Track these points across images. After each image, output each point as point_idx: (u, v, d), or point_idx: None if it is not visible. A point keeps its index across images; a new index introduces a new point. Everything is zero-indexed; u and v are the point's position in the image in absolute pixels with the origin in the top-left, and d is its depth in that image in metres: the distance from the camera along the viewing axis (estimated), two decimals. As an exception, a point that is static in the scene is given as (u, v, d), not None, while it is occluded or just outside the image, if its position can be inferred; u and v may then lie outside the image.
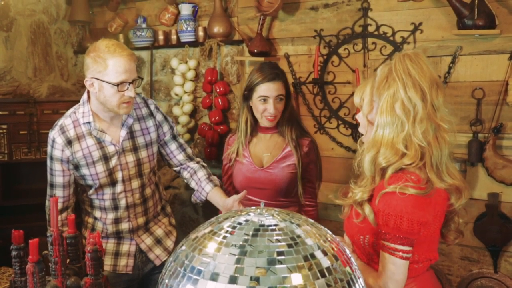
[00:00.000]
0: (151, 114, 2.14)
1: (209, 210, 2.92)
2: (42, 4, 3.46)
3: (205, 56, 3.12)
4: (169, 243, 2.23)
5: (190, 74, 3.19)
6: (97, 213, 2.10)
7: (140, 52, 3.38)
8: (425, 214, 1.35)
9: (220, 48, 3.11)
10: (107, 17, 3.63)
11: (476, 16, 2.23)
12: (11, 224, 2.24)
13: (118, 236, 2.11)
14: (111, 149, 2.02)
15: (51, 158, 2.01)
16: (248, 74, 3.08)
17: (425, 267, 1.50)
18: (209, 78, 3.07)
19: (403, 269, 1.38)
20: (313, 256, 0.82)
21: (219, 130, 3.11)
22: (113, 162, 2.02)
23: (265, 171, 2.19)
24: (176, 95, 3.25)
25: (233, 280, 0.78)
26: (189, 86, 3.20)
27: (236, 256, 0.80)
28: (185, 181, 2.28)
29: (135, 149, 2.07)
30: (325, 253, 0.84)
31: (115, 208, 2.07)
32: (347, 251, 0.91)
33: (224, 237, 0.85)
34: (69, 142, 1.98)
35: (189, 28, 3.15)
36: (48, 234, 1.41)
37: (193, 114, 3.28)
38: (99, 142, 2.01)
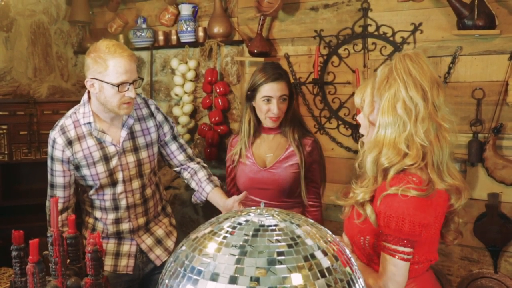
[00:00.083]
0: (151, 115, 2.14)
1: (209, 211, 2.92)
2: (42, 4, 3.46)
3: (205, 57, 3.12)
4: (170, 243, 2.23)
5: (190, 75, 3.19)
6: (98, 214, 2.10)
7: (140, 52, 3.38)
8: (426, 216, 1.35)
9: (220, 49, 3.11)
10: (107, 17, 3.63)
11: (476, 17, 2.23)
12: (11, 224, 2.24)
13: (119, 236, 2.12)
14: (111, 149, 2.02)
15: (52, 159, 2.01)
16: (248, 74, 3.09)
17: (425, 267, 1.50)
18: (209, 78, 3.07)
19: (403, 271, 1.38)
20: (313, 256, 0.82)
21: (219, 130, 3.11)
22: (114, 162, 2.02)
23: (268, 171, 2.19)
24: (176, 95, 3.25)
25: (233, 280, 0.78)
26: (189, 86, 3.20)
27: (236, 256, 0.80)
28: (186, 181, 2.28)
29: (135, 149, 2.08)
30: (325, 253, 0.84)
31: (116, 208, 2.07)
32: (347, 252, 0.91)
33: (224, 237, 0.85)
34: (69, 143, 1.98)
35: (189, 29, 3.15)
36: (48, 235, 1.41)
37: (193, 114, 3.28)
38: (100, 143, 2.01)
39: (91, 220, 2.14)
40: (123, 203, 2.07)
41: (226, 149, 3.14)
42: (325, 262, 0.83)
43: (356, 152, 2.78)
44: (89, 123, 1.99)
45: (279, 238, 0.84)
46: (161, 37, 3.31)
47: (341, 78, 2.77)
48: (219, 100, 3.08)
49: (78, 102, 2.07)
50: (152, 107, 2.15)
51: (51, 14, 3.52)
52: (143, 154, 2.10)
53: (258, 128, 2.25)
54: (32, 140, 3.01)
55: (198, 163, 2.28)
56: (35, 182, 3.16)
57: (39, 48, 3.46)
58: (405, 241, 1.36)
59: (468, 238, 2.49)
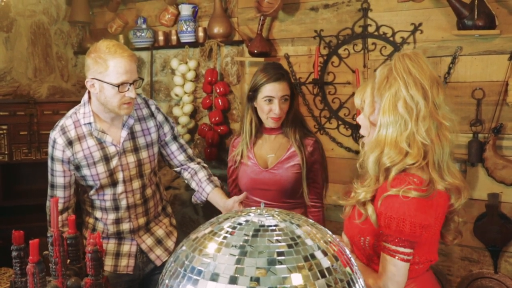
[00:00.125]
0: (152, 115, 2.14)
1: (209, 211, 2.92)
2: (42, 4, 3.47)
3: (205, 57, 3.13)
4: (170, 243, 2.23)
5: (190, 75, 3.19)
6: (98, 214, 2.10)
7: (140, 52, 3.38)
8: (427, 217, 1.35)
9: (220, 49, 3.11)
10: (107, 17, 3.63)
11: (476, 17, 2.23)
12: (12, 224, 2.24)
13: (119, 236, 2.12)
14: (112, 149, 2.02)
15: (52, 159, 2.01)
16: (248, 74, 3.09)
17: (426, 267, 1.50)
18: (209, 78, 3.07)
19: (403, 271, 1.38)
20: (313, 256, 0.82)
21: (219, 130, 3.11)
22: (114, 162, 2.02)
23: (270, 172, 2.18)
24: (176, 95, 3.26)
25: (233, 280, 0.78)
26: (189, 86, 3.20)
27: (236, 257, 0.81)
28: (186, 181, 2.28)
29: (136, 149, 2.08)
30: (325, 254, 0.84)
31: (116, 208, 2.07)
32: (347, 252, 0.91)
33: (224, 238, 0.85)
34: (70, 143, 1.98)
35: (189, 29, 3.16)
36: (48, 235, 1.41)
37: (193, 114, 3.28)
38: (100, 143, 2.01)
39: (91, 220, 2.14)
40: (123, 203, 2.07)
41: (226, 150, 3.15)
42: (325, 262, 0.83)
43: (356, 152, 2.78)
44: (90, 123, 1.99)
45: (279, 238, 0.84)
46: (161, 37, 3.31)
47: (341, 78, 2.77)
48: (219, 100, 3.08)
49: (78, 102, 2.07)
50: (153, 107, 2.15)
51: (51, 15, 3.53)
52: (144, 154, 2.10)
53: (259, 128, 2.25)
54: (32, 140, 3.02)
55: (199, 163, 2.28)
56: (35, 182, 3.17)
57: (39, 48, 3.46)
58: (405, 242, 1.36)
59: (468, 238, 2.49)
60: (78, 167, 2.01)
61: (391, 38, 2.59)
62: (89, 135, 2.00)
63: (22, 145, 3.01)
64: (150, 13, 3.44)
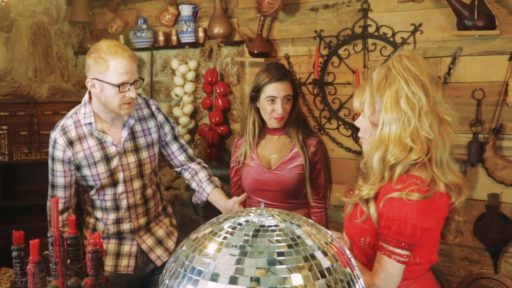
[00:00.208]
0: (152, 115, 2.14)
1: (209, 211, 2.92)
2: (42, 5, 3.47)
3: (205, 57, 3.13)
4: (170, 243, 2.23)
5: (190, 75, 3.19)
6: (98, 214, 2.11)
7: (140, 53, 3.38)
8: (429, 220, 1.36)
9: (220, 49, 3.11)
10: (107, 18, 3.63)
11: (476, 17, 2.23)
12: (12, 224, 2.24)
13: (120, 236, 2.12)
14: (112, 149, 2.02)
15: (53, 159, 2.02)
16: (248, 75, 3.09)
17: (426, 268, 1.50)
18: (209, 79, 3.08)
19: (398, 272, 1.39)
20: (313, 256, 0.82)
21: (219, 131, 3.11)
22: (115, 162, 2.03)
23: (273, 173, 2.18)
24: (177, 96, 3.26)
25: (233, 280, 0.78)
26: (189, 87, 3.20)
27: (237, 257, 0.81)
28: (186, 182, 2.28)
29: (136, 149, 2.08)
30: (325, 254, 0.84)
31: (116, 208, 2.07)
32: (347, 252, 0.91)
33: (225, 238, 0.85)
34: (70, 143, 1.99)
35: (189, 29, 3.16)
36: (48, 235, 1.42)
37: (193, 115, 3.28)
38: (101, 143, 2.01)
39: (92, 220, 2.14)
40: (123, 203, 2.07)
41: (226, 150, 3.16)
42: (325, 263, 0.83)
43: (356, 152, 2.78)
44: (90, 123, 1.99)
45: (279, 238, 0.84)
46: (161, 38, 3.31)
47: (341, 79, 2.77)
48: (219, 100, 3.08)
49: (79, 102, 2.08)
50: (153, 108, 2.16)
51: (51, 15, 3.53)
52: (144, 154, 2.10)
53: (262, 129, 2.24)
54: (33, 140, 3.02)
55: (199, 163, 2.28)
56: (36, 182, 3.17)
57: (40, 48, 3.46)
58: (404, 244, 1.36)
59: (468, 238, 2.49)
60: (78, 167, 2.01)
61: (391, 39, 2.59)
62: (89, 135, 2.00)
63: (22, 145, 3.01)
64: (150, 14, 3.44)
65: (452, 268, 2.59)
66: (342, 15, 2.73)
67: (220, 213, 2.16)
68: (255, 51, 2.87)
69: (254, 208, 0.96)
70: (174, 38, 3.29)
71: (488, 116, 2.39)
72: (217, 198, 2.16)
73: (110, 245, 2.12)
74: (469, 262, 2.55)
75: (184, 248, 0.89)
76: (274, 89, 2.11)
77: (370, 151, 1.46)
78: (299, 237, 0.85)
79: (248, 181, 2.23)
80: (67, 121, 2.02)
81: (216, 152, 3.14)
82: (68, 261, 1.50)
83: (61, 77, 3.63)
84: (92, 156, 2.00)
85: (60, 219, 1.99)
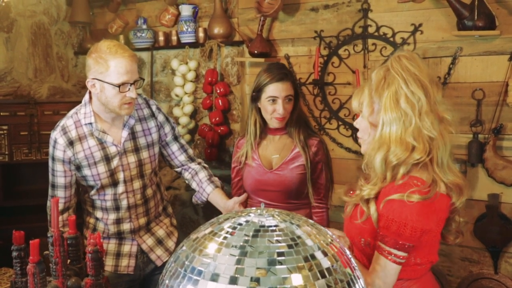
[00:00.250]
0: (152, 115, 2.14)
1: (209, 211, 2.92)
2: (42, 5, 3.47)
3: (205, 57, 3.13)
4: (171, 243, 2.23)
5: (191, 75, 3.19)
6: (99, 214, 2.11)
7: (140, 53, 3.38)
8: (429, 222, 1.35)
9: (221, 49, 3.11)
10: (107, 18, 3.63)
11: (476, 17, 2.23)
12: (12, 224, 2.24)
13: (120, 236, 2.12)
14: (112, 149, 2.02)
15: (53, 159, 2.02)
16: (248, 75, 3.09)
17: (427, 268, 1.50)
18: (209, 79, 3.08)
19: (393, 272, 1.39)
20: (313, 256, 0.82)
21: (219, 131, 3.11)
22: (115, 162, 2.03)
23: (275, 173, 2.18)
24: (177, 96, 3.26)
25: (233, 280, 0.78)
26: (189, 87, 3.20)
27: (237, 257, 0.81)
28: (186, 182, 2.28)
29: (136, 149, 2.08)
30: (325, 254, 0.84)
31: (117, 208, 2.07)
32: (348, 252, 0.91)
33: (225, 238, 0.85)
34: (71, 143, 1.99)
35: (189, 29, 3.16)
36: (48, 235, 1.42)
37: (193, 115, 3.28)
38: (101, 143, 2.01)
39: (92, 220, 2.14)
40: (124, 203, 2.07)
41: (226, 150, 3.16)
42: (325, 263, 0.83)
43: (356, 152, 2.78)
44: (90, 123, 1.99)
45: (279, 238, 0.84)
46: (161, 38, 3.32)
47: (341, 79, 2.77)
48: (220, 100, 3.08)
49: (79, 102, 2.08)
50: (153, 108, 2.16)
51: (51, 15, 3.53)
52: (144, 154, 2.10)
53: (264, 129, 2.24)
54: (33, 140, 3.02)
55: (199, 163, 2.28)
56: (36, 182, 3.17)
57: (40, 48, 3.46)
58: (402, 245, 1.36)
59: (468, 238, 2.49)
60: (79, 167, 2.01)
61: (391, 39, 2.59)
62: (90, 135, 2.00)
63: (22, 146, 3.01)
64: (151, 14, 3.44)
65: (452, 268, 2.59)
66: (342, 15, 2.73)
67: (220, 213, 2.16)
68: (255, 51, 2.87)
69: (254, 208, 0.96)
70: (174, 38, 3.29)
71: (488, 116, 2.39)
72: (217, 198, 2.16)
73: (110, 245, 2.12)
74: (469, 263, 2.55)
75: (184, 248, 0.89)
76: (275, 89, 2.11)
77: (370, 152, 1.45)
78: (299, 237, 0.85)
79: (250, 181, 2.23)
80: (67, 121, 2.02)
81: (216, 152, 3.14)
82: (68, 261, 1.50)
83: (61, 77, 3.63)
84: (93, 156, 2.00)
85: (60, 219, 1.99)
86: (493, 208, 2.40)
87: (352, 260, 0.90)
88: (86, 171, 2.01)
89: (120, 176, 2.04)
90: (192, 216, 3.42)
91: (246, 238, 0.84)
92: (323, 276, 0.80)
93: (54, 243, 1.40)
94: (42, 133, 3.00)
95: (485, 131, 2.40)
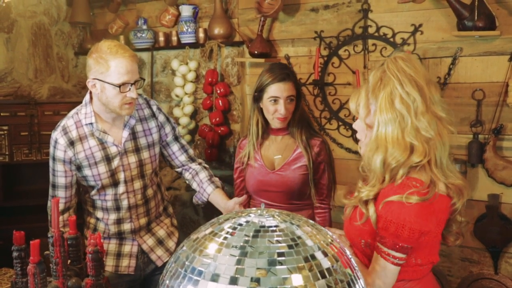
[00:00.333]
0: (153, 115, 2.14)
1: (209, 212, 2.92)
2: (43, 5, 3.47)
3: (205, 58, 3.13)
4: (171, 244, 2.23)
5: (191, 76, 3.19)
6: (99, 214, 2.11)
7: (140, 53, 3.39)
8: (428, 223, 1.35)
9: (221, 50, 3.12)
10: (107, 18, 3.63)
11: (476, 18, 2.23)
12: (12, 225, 2.24)
13: (120, 236, 2.12)
14: (113, 150, 2.02)
15: (54, 159, 2.02)
16: (248, 75, 3.09)
17: (429, 268, 1.50)
18: (209, 79, 3.08)
19: (392, 274, 1.39)
20: (313, 257, 0.82)
21: (219, 131, 3.11)
22: (115, 163, 2.03)
23: (277, 173, 2.17)
24: (177, 96, 3.26)
25: (233, 281, 0.78)
26: (189, 87, 3.21)
27: (237, 257, 0.81)
28: (187, 182, 2.28)
29: (137, 150, 2.08)
30: (325, 254, 0.84)
31: (117, 208, 2.08)
32: (348, 252, 0.91)
33: (225, 238, 0.85)
34: (71, 143, 1.99)
35: (189, 30, 3.16)
36: (49, 235, 1.42)
37: (193, 115, 3.28)
38: (101, 143, 2.01)
39: (92, 220, 2.14)
40: (124, 203, 2.07)
41: (226, 150, 3.16)
42: (326, 263, 0.83)
43: (356, 153, 2.78)
44: (91, 123, 1.99)
45: (280, 239, 0.84)
46: (161, 38, 3.32)
47: (342, 79, 2.77)
48: (220, 101, 3.08)
49: (79, 103, 2.08)
50: (154, 108, 2.16)
51: (51, 15, 3.53)
52: (145, 154, 2.10)
53: (266, 129, 2.24)
54: (33, 141, 3.02)
55: (200, 164, 2.28)
56: (36, 183, 3.17)
57: (40, 49, 3.46)
58: (400, 247, 1.36)
59: (469, 239, 2.49)
60: (79, 167, 2.02)
61: (392, 39, 2.59)
62: (90, 135, 2.01)
63: (22, 146, 3.01)
64: (151, 14, 3.44)
65: (452, 268, 2.59)
66: (342, 16, 2.73)
67: (220, 213, 2.16)
68: (255, 52, 2.87)
69: (254, 208, 0.96)
70: (174, 38, 3.29)
71: (488, 116, 2.39)
72: (217, 198, 2.16)
73: (111, 245, 2.12)
74: (469, 263, 2.55)
75: (184, 248, 0.89)
76: (277, 89, 2.10)
77: (368, 153, 1.45)
78: (299, 237, 0.85)
79: (252, 182, 2.22)
80: (68, 121, 2.02)
81: (216, 153, 3.14)
82: (69, 261, 1.50)
83: (62, 77, 3.63)
84: (93, 156, 2.00)
85: (61, 219, 1.99)
86: (493, 208, 2.40)
87: (352, 260, 0.91)
88: (87, 171, 2.01)
89: (121, 176, 2.04)
90: (193, 216, 3.42)
91: (246, 238, 0.84)
92: (323, 277, 0.81)
93: (54, 243, 1.40)
94: (42, 134, 3.00)
95: (485, 131, 2.40)
